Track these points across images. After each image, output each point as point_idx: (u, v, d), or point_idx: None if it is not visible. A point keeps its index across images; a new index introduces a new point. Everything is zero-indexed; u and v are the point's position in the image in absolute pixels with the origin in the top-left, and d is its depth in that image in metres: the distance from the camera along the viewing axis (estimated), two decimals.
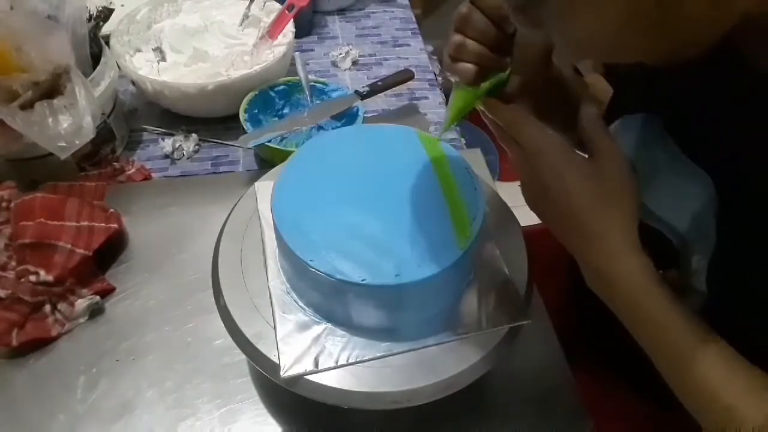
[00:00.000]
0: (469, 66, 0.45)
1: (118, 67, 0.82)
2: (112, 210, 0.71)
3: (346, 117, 0.85)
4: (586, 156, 0.44)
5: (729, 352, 0.39)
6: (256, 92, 0.84)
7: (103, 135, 0.79)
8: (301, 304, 0.50)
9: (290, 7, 0.91)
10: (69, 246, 0.64)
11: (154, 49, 0.92)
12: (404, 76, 0.91)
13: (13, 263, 0.64)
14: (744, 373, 0.39)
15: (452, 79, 0.47)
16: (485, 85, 0.46)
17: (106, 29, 0.83)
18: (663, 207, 0.49)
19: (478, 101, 0.47)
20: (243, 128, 0.80)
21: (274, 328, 0.49)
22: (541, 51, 0.50)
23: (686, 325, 0.40)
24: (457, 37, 0.45)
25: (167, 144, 0.84)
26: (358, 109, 0.83)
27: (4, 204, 0.70)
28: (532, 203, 0.46)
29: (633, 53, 0.38)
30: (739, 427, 0.37)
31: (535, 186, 0.45)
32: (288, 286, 0.51)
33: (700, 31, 0.34)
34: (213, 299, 0.53)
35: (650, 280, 0.41)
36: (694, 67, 0.37)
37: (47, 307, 0.62)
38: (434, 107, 0.95)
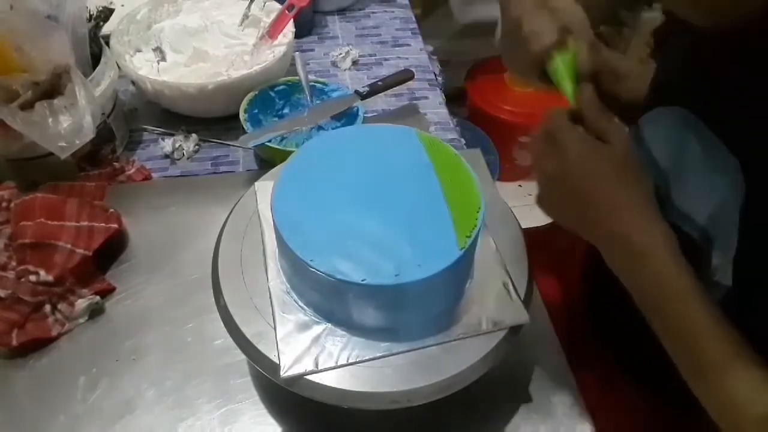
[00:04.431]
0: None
1: (118, 67, 0.82)
2: (112, 210, 0.71)
3: (346, 117, 0.85)
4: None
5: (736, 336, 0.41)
6: (256, 92, 0.84)
7: (103, 135, 0.79)
8: (301, 304, 0.50)
9: (290, 7, 0.91)
10: (69, 246, 0.64)
11: (154, 49, 0.92)
12: (404, 76, 0.91)
13: (13, 263, 0.64)
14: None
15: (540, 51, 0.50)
16: (572, 46, 0.50)
17: (106, 29, 0.83)
18: (688, 201, 0.50)
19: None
20: (243, 128, 0.80)
21: (274, 328, 0.49)
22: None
23: (707, 306, 0.42)
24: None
25: (167, 144, 0.84)
26: (358, 109, 0.83)
27: (4, 204, 0.70)
28: (548, 181, 0.49)
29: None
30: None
31: (554, 164, 0.48)
32: (288, 286, 0.52)
33: None
34: (213, 299, 0.53)
35: (677, 250, 0.43)
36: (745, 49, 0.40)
37: (47, 307, 0.62)
38: (434, 107, 0.95)
